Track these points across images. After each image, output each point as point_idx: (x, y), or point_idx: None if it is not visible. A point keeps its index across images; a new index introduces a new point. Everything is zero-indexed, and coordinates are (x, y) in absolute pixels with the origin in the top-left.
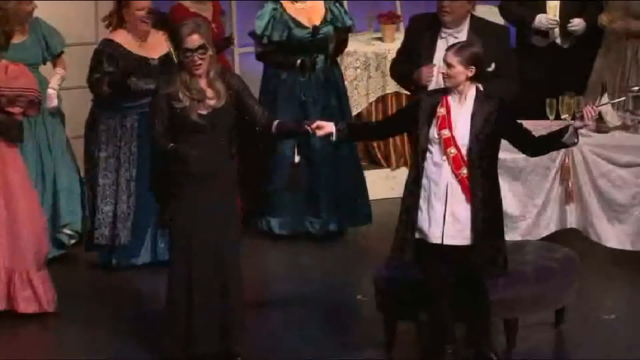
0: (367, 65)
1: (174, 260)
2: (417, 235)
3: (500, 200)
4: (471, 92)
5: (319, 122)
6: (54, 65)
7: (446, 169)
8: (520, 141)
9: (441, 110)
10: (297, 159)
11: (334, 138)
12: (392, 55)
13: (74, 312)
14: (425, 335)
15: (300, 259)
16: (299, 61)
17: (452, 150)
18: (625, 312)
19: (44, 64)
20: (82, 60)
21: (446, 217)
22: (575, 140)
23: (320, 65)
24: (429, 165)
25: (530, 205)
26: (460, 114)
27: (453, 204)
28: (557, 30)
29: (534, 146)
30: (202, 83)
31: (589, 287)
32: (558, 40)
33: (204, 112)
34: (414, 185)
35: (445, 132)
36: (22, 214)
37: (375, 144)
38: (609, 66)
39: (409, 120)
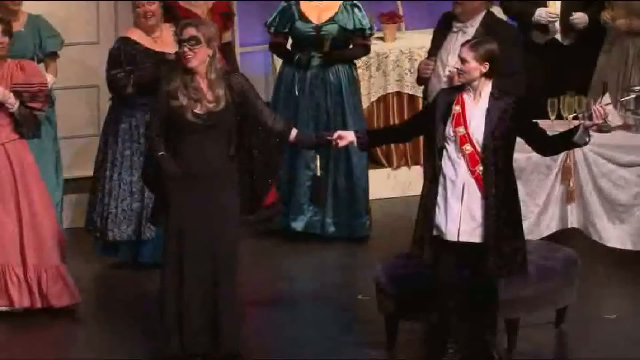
0: (368, 65)
1: (166, 261)
2: (434, 233)
3: (517, 198)
4: (486, 89)
5: (339, 133)
6: (46, 67)
7: (462, 166)
8: (534, 140)
9: (456, 108)
10: (319, 172)
11: (355, 146)
12: (393, 54)
13: (85, 312)
14: (427, 334)
15: (301, 259)
16: (296, 57)
17: (468, 147)
18: (626, 311)
19: (37, 61)
20: (82, 60)
21: (462, 215)
22: (587, 139)
23: (316, 63)
24: (445, 163)
25: (531, 205)
26: (475, 111)
27: (469, 201)
28: (557, 24)
29: (547, 146)
30: (203, 84)
31: (590, 286)
32: (558, 37)
33: (200, 112)
34: (431, 183)
35: (461, 130)
36: (41, 209)
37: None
38: (612, 64)
39: (428, 119)
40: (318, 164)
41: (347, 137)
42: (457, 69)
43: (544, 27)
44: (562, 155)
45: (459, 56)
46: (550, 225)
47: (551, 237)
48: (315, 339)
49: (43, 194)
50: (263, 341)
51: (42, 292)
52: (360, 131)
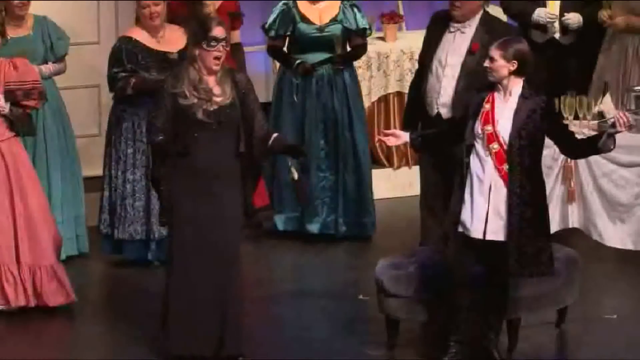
0: (369, 65)
1: (174, 261)
2: (459, 229)
3: (544, 198)
4: (516, 88)
5: (394, 131)
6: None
7: (490, 164)
8: (562, 141)
9: (486, 106)
10: (295, 175)
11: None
12: (394, 54)
13: (88, 311)
14: (428, 334)
15: (302, 258)
16: (297, 62)
17: (495, 145)
18: (626, 311)
19: (46, 63)
20: (83, 59)
21: (489, 213)
22: (612, 146)
23: (323, 70)
24: (473, 160)
25: None
26: (504, 109)
27: (496, 199)
28: (556, 25)
29: (573, 148)
30: (211, 81)
31: (590, 286)
32: (557, 36)
33: (210, 109)
34: (458, 180)
35: (488, 128)
36: (36, 207)
37: (377, 144)
38: (611, 63)
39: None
40: (293, 169)
41: (402, 137)
42: (486, 67)
43: (543, 27)
44: (562, 156)
45: (488, 55)
46: (551, 226)
47: (552, 237)
48: (316, 338)
49: (38, 192)
50: (264, 340)
51: (37, 290)
52: (415, 133)
